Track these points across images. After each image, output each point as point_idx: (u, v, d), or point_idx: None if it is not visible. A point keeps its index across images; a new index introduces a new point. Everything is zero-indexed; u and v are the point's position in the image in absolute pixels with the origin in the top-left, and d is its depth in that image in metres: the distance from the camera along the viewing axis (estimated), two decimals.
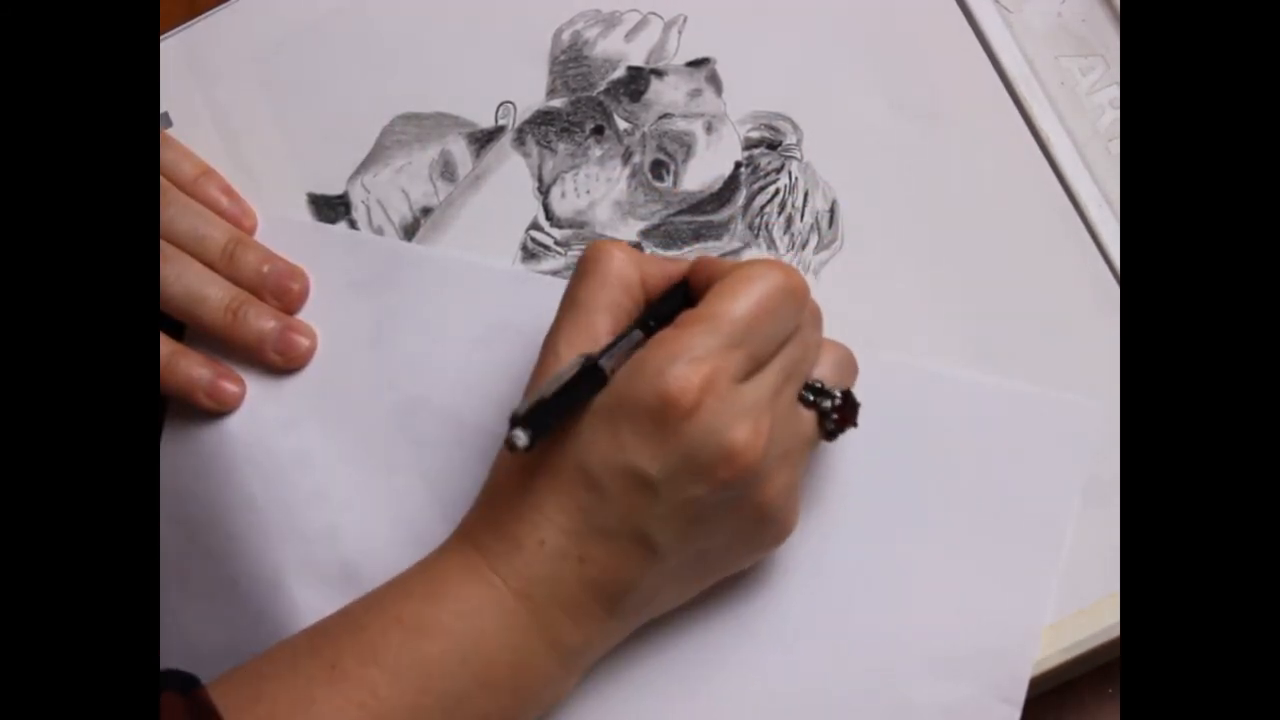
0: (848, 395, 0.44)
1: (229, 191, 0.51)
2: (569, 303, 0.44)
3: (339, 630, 0.43)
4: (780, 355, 0.42)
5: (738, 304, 0.41)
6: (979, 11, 0.51)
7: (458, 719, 0.42)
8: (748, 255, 0.51)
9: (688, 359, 0.40)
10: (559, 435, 0.42)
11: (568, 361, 0.42)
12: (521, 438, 0.39)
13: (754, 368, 0.42)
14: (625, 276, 0.44)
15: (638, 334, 0.43)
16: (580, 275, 0.44)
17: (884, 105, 0.51)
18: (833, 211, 0.51)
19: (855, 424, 0.44)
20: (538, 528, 0.42)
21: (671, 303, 0.44)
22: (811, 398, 0.43)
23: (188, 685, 0.41)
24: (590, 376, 0.41)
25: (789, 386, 0.42)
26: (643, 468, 0.40)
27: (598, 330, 0.43)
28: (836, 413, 0.43)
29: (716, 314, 0.41)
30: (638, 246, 0.51)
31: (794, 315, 0.42)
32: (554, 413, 0.40)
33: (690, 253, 0.51)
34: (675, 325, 0.42)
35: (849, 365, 0.45)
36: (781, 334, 0.42)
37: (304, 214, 0.52)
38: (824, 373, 0.44)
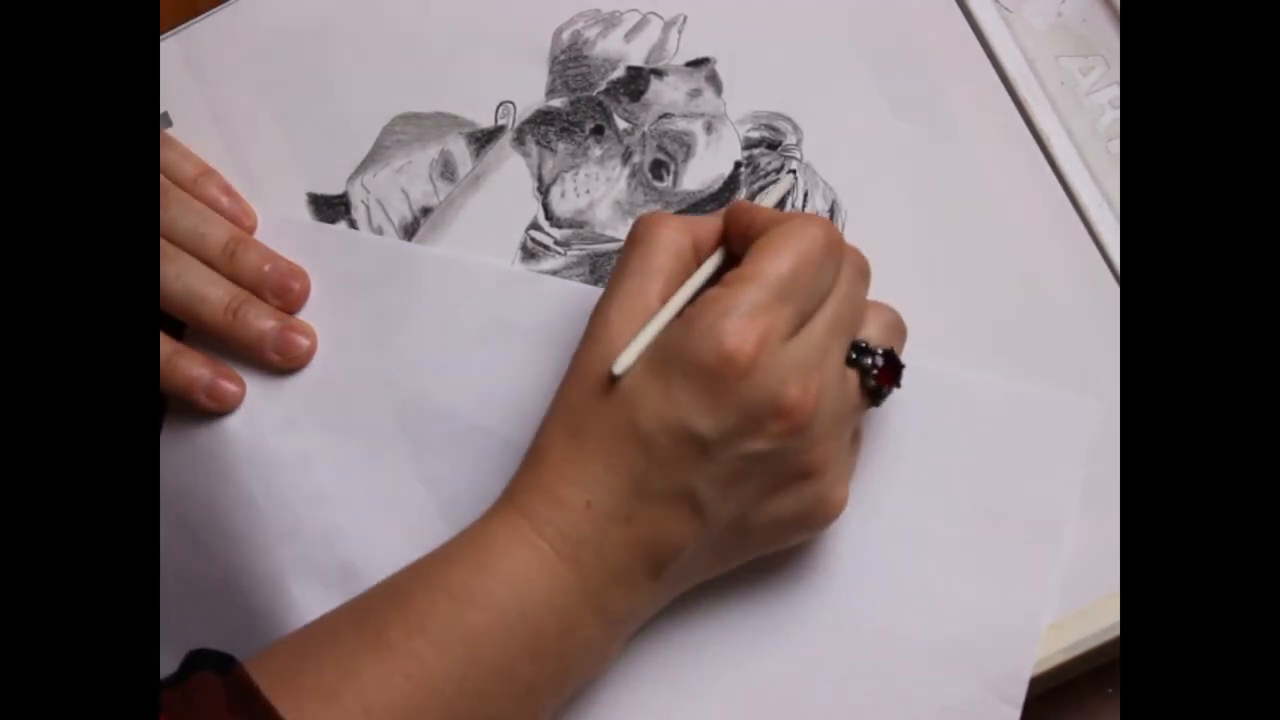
0: (889, 354, 0.43)
1: (229, 191, 0.51)
2: (619, 271, 0.44)
3: (383, 601, 0.42)
4: (824, 310, 0.42)
5: (781, 260, 0.41)
6: (979, 11, 0.51)
7: (505, 688, 0.41)
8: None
9: (740, 314, 0.40)
10: (606, 396, 0.41)
11: (618, 329, 0.42)
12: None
13: (801, 323, 0.42)
14: (676, 242, 0.44)
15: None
16: (629, 245, 0.44)
17: (884, 105, 0.51)
18: (832, 211, 0.51)
19: (898, 384, 0.44)
20: (585, 489, 0.41)
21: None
22: (855, 356, 0.43)
23: (225, 664, 0.41)
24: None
25: (836, 343, 0.42)
26: (695, 425, 0.40)
27: (650, 295, 0.43)
28: (877, 370, 0.43)
29: (762, 271, 0.41)
30: None
31: (834, 268, 0.42)
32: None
33: None
34: (722, 284, 0.41)
35: (896, 328, 0.45)
36: (824, 287, 0.42)
37: (304, 214, 0.52)
38: (870, 333, 0.44)
